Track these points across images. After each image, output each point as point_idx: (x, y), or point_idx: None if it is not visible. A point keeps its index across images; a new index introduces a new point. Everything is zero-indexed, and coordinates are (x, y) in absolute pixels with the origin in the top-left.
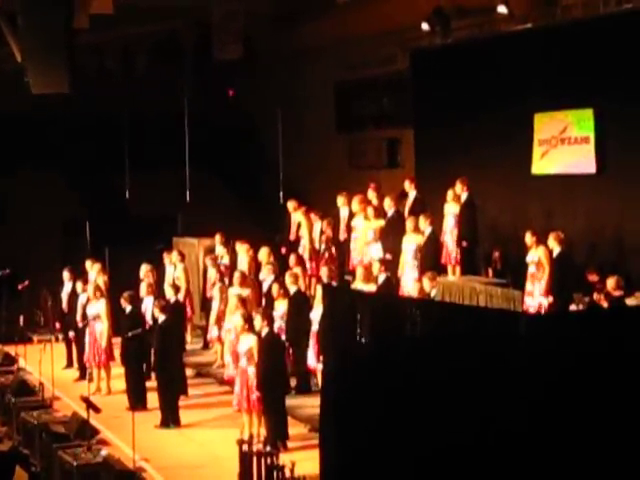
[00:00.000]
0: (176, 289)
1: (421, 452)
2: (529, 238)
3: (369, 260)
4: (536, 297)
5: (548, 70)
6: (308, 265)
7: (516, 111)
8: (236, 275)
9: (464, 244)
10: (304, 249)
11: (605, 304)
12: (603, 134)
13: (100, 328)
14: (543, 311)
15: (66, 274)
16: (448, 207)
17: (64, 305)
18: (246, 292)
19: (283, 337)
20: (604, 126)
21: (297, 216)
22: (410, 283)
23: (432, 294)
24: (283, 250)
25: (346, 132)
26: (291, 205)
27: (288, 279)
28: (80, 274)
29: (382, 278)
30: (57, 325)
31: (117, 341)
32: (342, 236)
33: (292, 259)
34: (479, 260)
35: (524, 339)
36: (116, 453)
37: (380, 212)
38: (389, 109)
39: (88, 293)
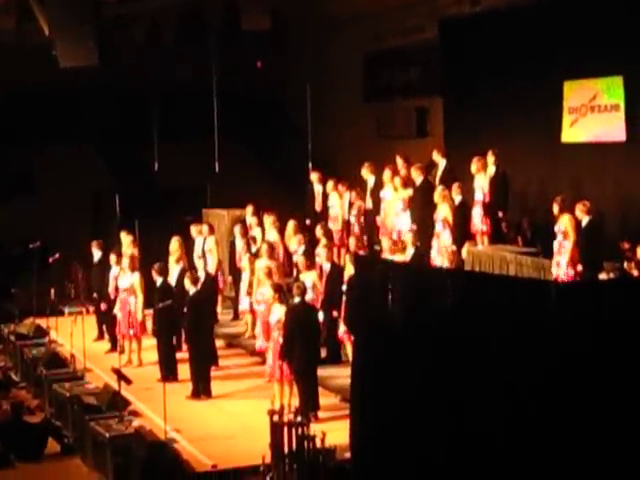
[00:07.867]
0: (205, 261)
1: (452, 421)
2: (555, 207)
3: (398, 231)
4: (562, 266)
5: (577, 38)
6: (337, 236)
7: (545, 79)
8: (263, 247)
9: (500, 214)
10: (335, 220)
11: (636, 272)
12: (633, 102)
13: (134, 301)
14: (571, 280)
15: (95, 247)
16: (477, 178)
17: (92, 277)
18: (274, 263)
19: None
20: (634, 94)
21: (321, 187)
22: (438, 253)
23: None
24: (307, 221)
25: (374, 102)
26: (315, 176)
27: (322, 252)
28: (111, 246)
29: (411, 250)
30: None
31: (148, 313)
32: (368, 205)
33: (319, 231)
34: (508, 229)
35: (554, 308)
36: (147, 424)
37: (408, 182)
38: (417, 78)
39: (122, 265)
